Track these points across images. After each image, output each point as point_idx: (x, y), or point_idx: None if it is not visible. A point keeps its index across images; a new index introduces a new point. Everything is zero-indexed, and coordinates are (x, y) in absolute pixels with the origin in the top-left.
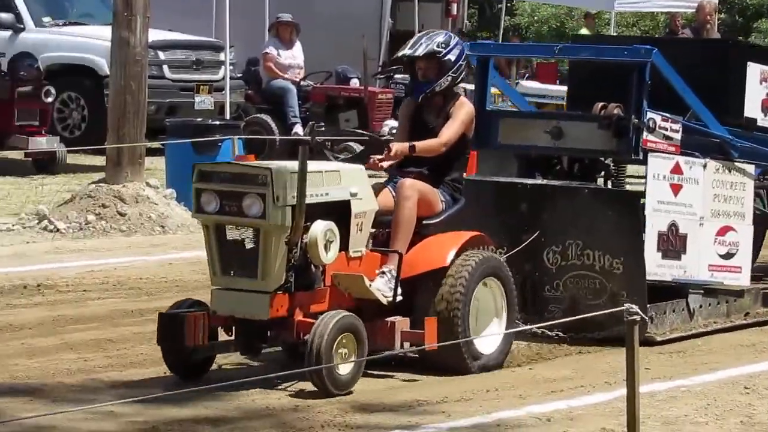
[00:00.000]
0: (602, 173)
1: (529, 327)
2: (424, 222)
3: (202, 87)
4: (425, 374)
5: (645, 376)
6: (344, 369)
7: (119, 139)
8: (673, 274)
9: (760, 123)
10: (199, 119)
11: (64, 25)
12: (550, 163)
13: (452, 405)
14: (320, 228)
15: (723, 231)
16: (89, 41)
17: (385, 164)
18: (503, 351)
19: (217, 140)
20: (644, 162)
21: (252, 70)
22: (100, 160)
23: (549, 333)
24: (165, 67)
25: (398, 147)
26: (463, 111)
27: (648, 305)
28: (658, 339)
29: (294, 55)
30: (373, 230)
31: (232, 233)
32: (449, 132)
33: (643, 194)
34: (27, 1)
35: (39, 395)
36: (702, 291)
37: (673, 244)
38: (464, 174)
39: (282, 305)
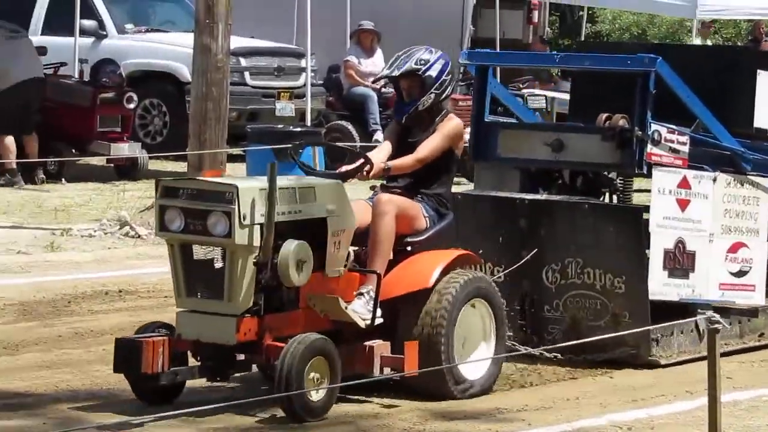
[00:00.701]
0: (608, 188)
1: (524, 350)
2: (408, 239)
3: (283, 94)
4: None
5: (726, 385)
6: (316, 395)
7: (200, 146)
8: (681, 293)
9: None
10: (280, 126)
11: (147, 32)
12: (552, 176)
13: (532, 413)
14: (292, 248)
15: (735, 248)
16: (171, 48)
17: (360, 179)
18: (492, 375)
19: (298, 145)
20: (649, 176)
21: (333, 77)
22: (181, 167)
23: (548, 355)
24: (246, 74)
25: (377, 166)
26: (447, 126)
27: (653, 326)
28: (663, 362)
29: (375, 63)
30: (356, 248)
31: (198, 253)
32: (426, 148)
33: (646, 209)
34: (110, 9)
35: (117, 401)
36: (712, 310)
37: (680, 261)
38: (451, 189)
39: (250, 329)
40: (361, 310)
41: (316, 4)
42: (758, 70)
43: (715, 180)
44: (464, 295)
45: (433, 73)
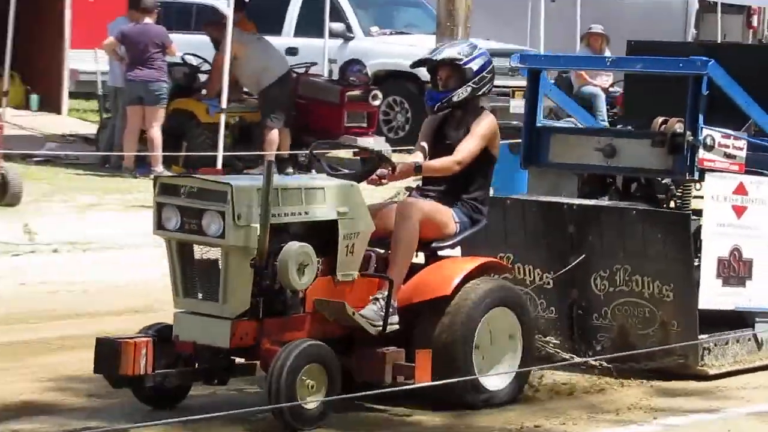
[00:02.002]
0: (664, 194)
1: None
2: (434, 245)
3: (517, 92)
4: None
5: None
6: (311, 403)
7: None
8: (737, 302)
9: None
10: (515, 122)
11: (391, 34)
12: (606, 182)
13: (751, 391)
14: (293, 250)
15: None
16: (414, 49)
17: (386, 182)
18: (517, 386)
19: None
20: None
21: (563, 76)
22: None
23: (593, 364)
24: None
25: (402, 167)
26: (483, 125)
27: (706, 336)
28: (711, 372)
29: None
30: (383, 252)
31: (197, 252)
32: (465, 149)
33: (697, 214)
34: (357, 12)
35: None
36: None
37: (735, 270)
38: (488, 193)
39: (247, 333)
40: (372, 316)
41: (549, 9)
42: None
43: None
44: (486, 304)
45: (474, 66)
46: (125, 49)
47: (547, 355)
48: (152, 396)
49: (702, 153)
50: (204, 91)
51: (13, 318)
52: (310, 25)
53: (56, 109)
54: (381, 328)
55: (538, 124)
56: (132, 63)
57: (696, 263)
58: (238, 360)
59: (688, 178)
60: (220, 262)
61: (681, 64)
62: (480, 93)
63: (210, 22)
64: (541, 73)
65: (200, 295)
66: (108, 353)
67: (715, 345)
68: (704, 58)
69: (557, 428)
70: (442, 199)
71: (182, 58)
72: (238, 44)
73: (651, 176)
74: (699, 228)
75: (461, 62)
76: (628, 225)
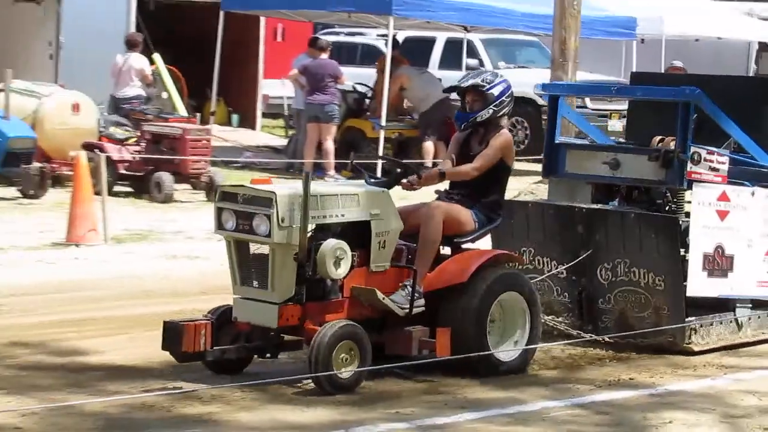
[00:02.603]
0: (661, 200)
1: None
2: (456, 239)
3: (614, 114)
4: None
5: None
6: (346, 373)
7: None
8: (720, 290)
9: None
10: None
11: (514, 68)
12: (613, 190)
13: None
14: (330, 246)
15: None
16: (532, 80)
17: (417, 187)
18: (525, 358)
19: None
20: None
21: None
22: (536, 167)
23: (599, 339)
24: (587, 99)
25: (427, 174)
26: (499, 140)
27: (693, 318)
28: (696, 349)
29: None
30: (414, 245)
31: (252, 248)
32: (482, 159)
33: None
34: (488, 50)
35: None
36: (750, 305)
37: (719, 264)
38: (503, 196)
39: (292, 315)
40: (400, 301)
41: (640, 48)
42: None
43: (753, 194)
44: (496, 289)
45: (494, 91)
46: (306, 79)
47: (559, 333)
48: (219, 365)
49: (690, 167)
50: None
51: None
52: (451, 61)
53: (252, 126)
54: (407, 310)
55: (556, 141)
56: (311, 90)
57: (684, 258)
58: (288, 337)
59: (678, 187)
60: (268, 256)
61: (673, 93)
62: (500, 114)
63: (382, 57)
64: (559, 99)
65: (255, 284)
66: (173, 334)
67: (701, 326)
68: (692, 88)
69: (647, 380)
70: (464, 202)
71: (353, 87)
72: (407, 77)
73: (648, 186)
74: (687, 228)
75: (484, 88)
76: (628, 226)
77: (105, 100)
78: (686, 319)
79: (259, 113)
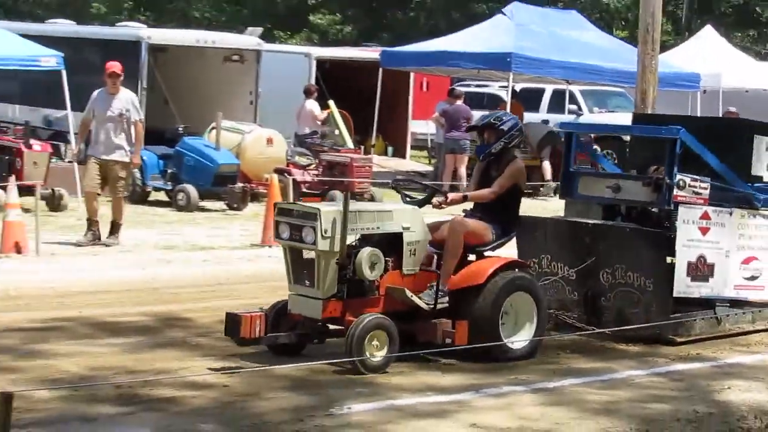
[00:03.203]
0: (656, 217)
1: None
2: (477, 249)
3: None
4: None
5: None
6: (377, 357)
7: None
8: (701, 292)
9: (766, 179)
10: None
11: (605, 112)
12: (616, 210)
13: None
14: (366, 253)
15: (748, 260)
16: (619, 121)
17: (445, 206)
18: (533, 347)
19: (402, 180)
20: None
21: None
22: None
23: (595, 330)
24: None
25: (453, 196)
26: (512, 168)
27: (677, 314)
28: (679, 340)
29: None
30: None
31: (305, 254)
32: (498, 185)
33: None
34: (585, 98)
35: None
36: (728, 303)
37: (701, 270)
38: (518, 213)
39: (335, 309)
40: (427, 298)
41: (702, 97)
42: (755, 135)
43: (731, 213)
44: (507, 289)
45: (504, 127)
46: (445, 120)
47: (566, 325)
48: (276, 349)
49: (676, 191)
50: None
51: None
52: (556, 106)
53: (402, 156)
54: (432, 306)
55: (571, 169)
56: (449, 128)
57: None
58: (333, 327)
59: (665, 208)
60: (314, 261)
61: (662, 131)
62: (511, 145)
63: (503, 104)
64: (572, 135)
65: (305, 283)
66: (233, 323)
67: (686, 321)
68: (678, 127)
69: (710, 355)
70: (485, 218)
71: None
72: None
73: (643, 207)
74: (665, 241)
75: (496, 125)
76: (624, 238)
77: (291, 136)
78: (671, 316)
79: (408, 146)
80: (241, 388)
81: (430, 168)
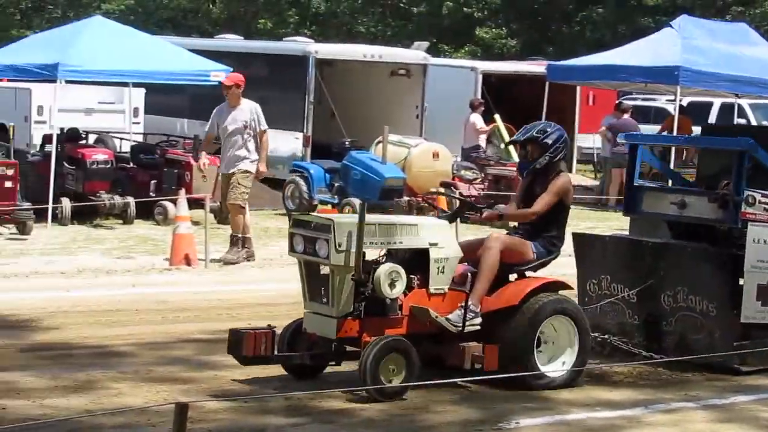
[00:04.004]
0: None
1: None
2: (516, 268)
3: None
4: None
5: None
6: (394, 382)
7: None
8: None
9: None
10: None
11: None
12: (682, 227)
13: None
14: (385, 269)
15: None
16: None
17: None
18: (574, 374)
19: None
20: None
21: None
22: None
23: (656, 357)
24: None
25: (488, 213)
26: (557, 184)
27: (743, 342)
28: (744, 370)
29: None
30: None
31: (322, 269)
32: (541, 203)
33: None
34: (754, 112)
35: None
36: None
37: None
38: (563, 231)
39: (351, 328)
40: (455, 320)
41: None
42: None
43: None
44: (545, 313)
45: (548, 141)
46: (611, 134)
47: (621, 351)
48: (296, 369)
49: (744, 208)
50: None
51: None
52: (724, 120)
53: (569, 170)
54: (460, 328)
55: (636, 183)
56: (615, 142)
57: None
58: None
59: (732, 226)
60: (329, 276)
61: (731, 143)
62: (556, 159)
63: (670, 117)
64: (638, 147)
65: (323, 300)
66: (236, 340)
67: (753, 350)
68: (746, 139)
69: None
70: (526, 235)
71: None
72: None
73: (708, 224)
74: (731, 262)
75: (539, 139)
76: (685, 258)
77: (457, 150)
78: (733, 345)
79: (574, 160)
80: (410, 401)
81: (596, 182)
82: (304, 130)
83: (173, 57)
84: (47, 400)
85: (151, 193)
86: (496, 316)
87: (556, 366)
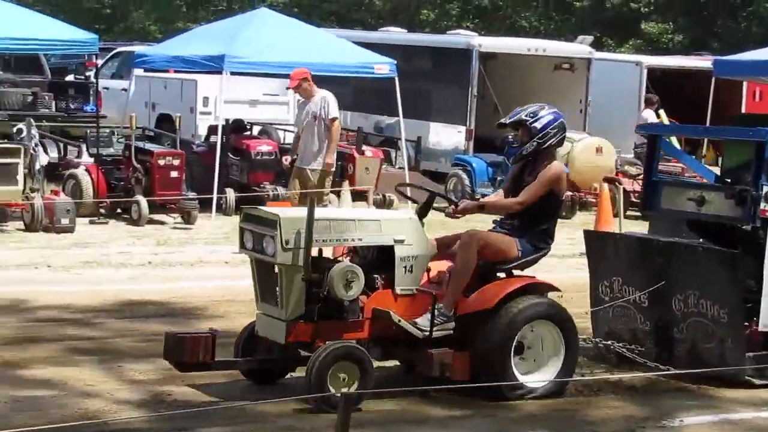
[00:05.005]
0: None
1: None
2: (499, 267)
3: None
4: None
5: None
6: (344, 391)
7: None
8: None
9: None
10: None
11: None
12: (701, 225)
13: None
14: (339, 268)
15: None
16: None
17: (459, 216)
18: (558, 384)
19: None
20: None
21: None
22: None
23: (662, 368)
24: None
25: (465, 204)
26: (545, 173)
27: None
28: (757, 383)
29: None
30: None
31: (276, 267)
32: (527, 193)
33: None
34: None
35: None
36: None
37: None
38: (554, 226)
39: (303, 332)
40: (423, 324)
41: None
42: None
43: None
44: (524, 317)
45: (538, 124)
46: None
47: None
48: (255, 375)
49: (763, 205)
50: None
51: None
52: None
53: None
54: (428, 333)
55: (654, 178)
56: None
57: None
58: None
59: (749, 224)
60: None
61: (750, 133)
62: (545, 146)
63: None
64: (657, 138)
65: (273, 301)
66: (173, 345)
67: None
68: (765, 129)
69: None
70: (513, 231)
71: None
72: None
73: (725, 222)
74: (741, 263)
75: (527, 122)
76: (695, 259)
77: (620, 145)
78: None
79: None
80: (574, 396)
81: None
82: (467, 124)
83: (337, 49)
84: (212, 387)
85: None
86: (472, 320)
87: (541, 376)
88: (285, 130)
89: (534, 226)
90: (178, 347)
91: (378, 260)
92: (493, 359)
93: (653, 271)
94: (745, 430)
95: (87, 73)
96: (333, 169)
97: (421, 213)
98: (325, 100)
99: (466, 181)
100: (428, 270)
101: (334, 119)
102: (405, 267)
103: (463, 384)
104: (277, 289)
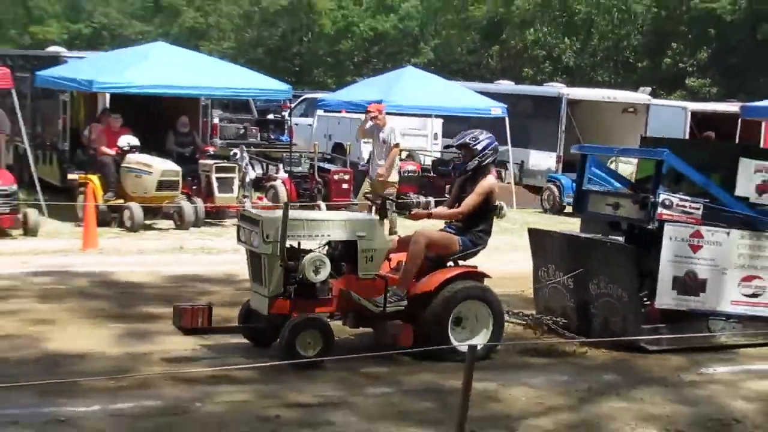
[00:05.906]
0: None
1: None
2: (443, 258)
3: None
4: None
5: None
6: (311, 353)
7: None
8: (691, 305)
9: (752, 201)
10: None
11: None
12: (618, 225)
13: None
14: (310, 257)
15: (748, 278)
16: None
17: (416, 219)
18: (488, 349)
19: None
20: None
21: None
22: None
23: (577, 338)
24: None
25: (416, 212)
26: (482, 185)
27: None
28: (649, 349)
29: None
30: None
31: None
32: (467, 203)
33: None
34: None
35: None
36: (723, 318)
37: (691, 285)
38: (489, 227)
39: (282, 306)
40: (380, 301)
41: None
42: (740, 158)
43: (728, 234)
44: (459, 297)
45: (478, 147)
46: None
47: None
48: (253, 339)
49: (661, 210)
50: None
51: None
52: None
53: None
54: (381, 309)
55: (584, 188)
56: None
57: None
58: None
59: (651, 226)
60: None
61: (651, 152)
62: (485, 163)
63: None
64: (586, 156)
65: (260, 282)
66: (178, 314)
67: (671, 332)
68: (663, 149)
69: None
70: (457, 231)
71: None
72: None
73: (632, 223)
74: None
75: (470, 145)
76: (604, 251)
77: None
78: (641, 327)
79: None
80: (630, 353)
81: None
82: (558, 151)
83: (463, 97)
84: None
85: (445, 195)
86: (420, 299)
87: (475, 342)
88: (425, 155)
89: (472, 227)
90: (181, 316)
91: (345, 251)
92: (434, 330)
93: (576, 260)
94: (760, 377)
95: (283, 113)
96: (390, 180)
97: (381, 216)
98: (393, 130)
99: (557, 194)
100: (390, 260)
101: (396, 145)
102: (366, 257)
103: (418, 349)
104: (262, 272)
